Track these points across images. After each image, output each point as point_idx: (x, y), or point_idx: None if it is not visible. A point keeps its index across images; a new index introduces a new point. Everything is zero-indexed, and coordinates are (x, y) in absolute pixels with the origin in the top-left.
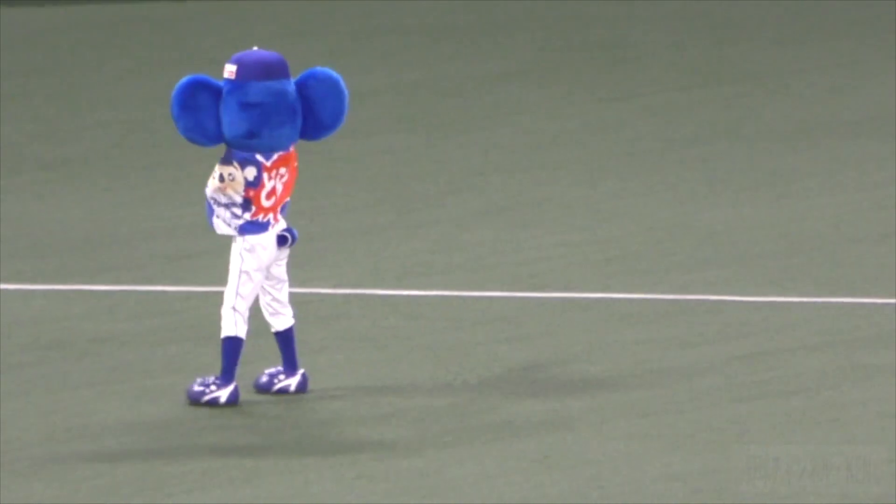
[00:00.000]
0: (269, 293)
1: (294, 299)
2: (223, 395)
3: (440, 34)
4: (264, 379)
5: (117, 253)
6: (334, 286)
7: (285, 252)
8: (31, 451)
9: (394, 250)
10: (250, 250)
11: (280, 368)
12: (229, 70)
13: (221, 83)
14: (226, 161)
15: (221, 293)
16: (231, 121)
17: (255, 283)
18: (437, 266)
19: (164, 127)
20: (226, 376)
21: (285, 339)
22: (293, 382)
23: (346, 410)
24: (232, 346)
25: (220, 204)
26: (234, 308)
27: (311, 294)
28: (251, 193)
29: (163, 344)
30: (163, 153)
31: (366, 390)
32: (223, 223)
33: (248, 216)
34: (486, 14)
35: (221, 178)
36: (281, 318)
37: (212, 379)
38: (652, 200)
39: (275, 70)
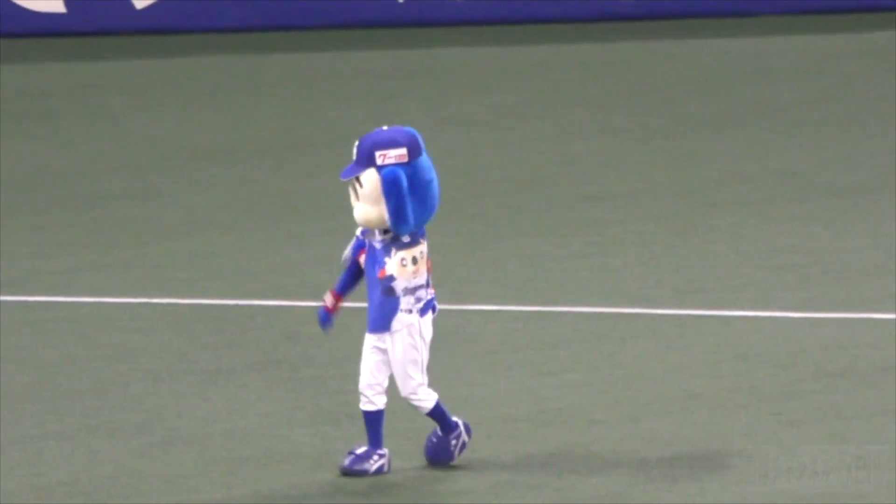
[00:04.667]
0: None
1: None
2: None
3: None
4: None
5: None
6: None
7: None
8: (829, 478)
9: None
10: (426, 326)
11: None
12: (399, 154)
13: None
14: (413, 243)
15: None
16: (432, 203)
17: None
18: None
19: None
20: (450, 425)
21: (380, 419)
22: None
23: None
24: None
25: (408, 291)
26: (425, 384)
27: None
28: (430, 266)
29: None
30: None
31: None
32: (405, 314)
33: (431, 292)
34: None
35: (414, 262)
36: (383, 399)
37: (457, 441)
38: None
39: (420, 143)
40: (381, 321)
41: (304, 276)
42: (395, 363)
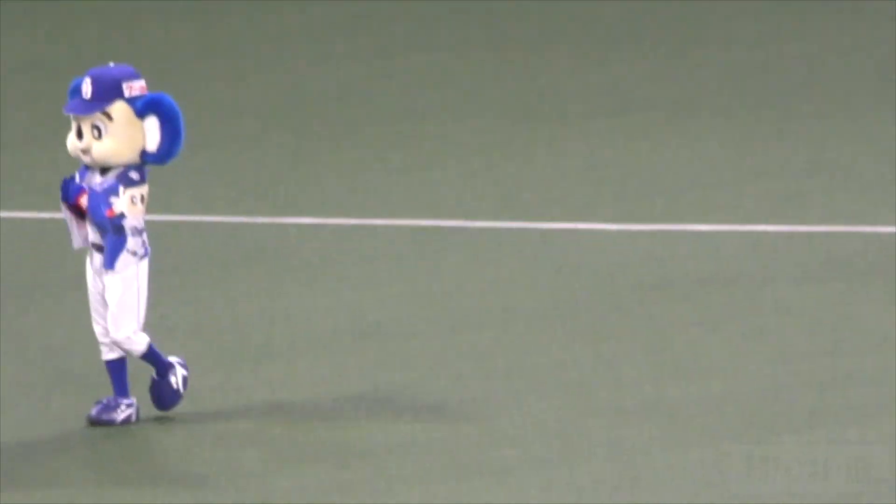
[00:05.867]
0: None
1: None
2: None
3: None
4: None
5: (723, 193)
6: None
7: None
8: (644, 390)
9: None
10: (144, 270)
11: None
12: (142, 86)
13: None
14: (142, 181)
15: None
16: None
17: None
18: None
19: (768, 68)
20: (165, 365)
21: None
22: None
23: None
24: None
25: (136, 232)
26: (140, 329)
27: None
28: None
29: (768, 284)
30: (771, 96)
31: None
32: (129, 256)
33: (146, 235)
34: None
35: (142, 200)
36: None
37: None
38: None
39: None
40: (108, 260)
41: None
42: (113, 304)
